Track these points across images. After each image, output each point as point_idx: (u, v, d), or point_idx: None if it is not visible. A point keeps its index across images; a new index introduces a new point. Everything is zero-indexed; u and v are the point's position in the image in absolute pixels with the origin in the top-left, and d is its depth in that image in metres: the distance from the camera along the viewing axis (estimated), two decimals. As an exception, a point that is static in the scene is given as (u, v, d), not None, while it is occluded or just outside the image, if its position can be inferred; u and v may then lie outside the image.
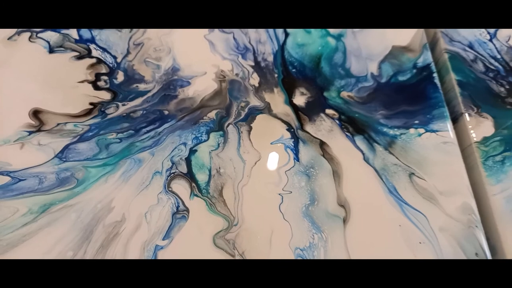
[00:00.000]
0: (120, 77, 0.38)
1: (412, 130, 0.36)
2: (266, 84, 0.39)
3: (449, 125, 0.36)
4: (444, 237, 0.31)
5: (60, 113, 0.36)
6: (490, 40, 0.41)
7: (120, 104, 0.37)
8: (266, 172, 0.34)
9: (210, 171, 0.34)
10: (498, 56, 0.40)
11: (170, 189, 0.33)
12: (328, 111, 0.37)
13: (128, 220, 0.31)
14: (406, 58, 0.40)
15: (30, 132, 0.34)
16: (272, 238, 0.31)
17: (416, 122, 0.36)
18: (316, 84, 0.39)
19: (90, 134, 0.35)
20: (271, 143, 0.35)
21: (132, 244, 0.30)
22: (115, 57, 0.39)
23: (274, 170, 0.34)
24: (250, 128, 0.36)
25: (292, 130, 0.36)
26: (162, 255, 0.30)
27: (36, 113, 0.35)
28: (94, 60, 0.39)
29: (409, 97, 0.37)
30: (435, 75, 0.39)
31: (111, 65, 0.39)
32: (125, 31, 0.41)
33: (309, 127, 0.36)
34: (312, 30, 0.42)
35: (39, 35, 0.40)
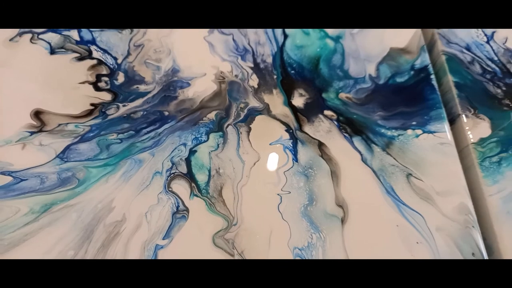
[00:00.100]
0: (120, 78, 0.39)
1: (409, 131, 0.36)
2: (265, 85, 0.39)
3: (446, 126, 0.36)
4: (441, 237, 0.31)
5: (61, 113, 0.36)
6: (487, 42, 0.41)
7: (120, 105, 0.37)
8: (265, 173, 0.34)
9: (209, 171, 0.34)
10: (495, 58, 0.40)
11: (170, 189, 0.33)
12: (327, 112, 0.37)
13: (129, 220, 0.31)
14: (404, 59, 0.40)
15: (32, 133, 0.35)
16: (271, 238, 0.31)
17: (414, 123, 0.36)
18: (315, 86, 0.39)
19: (91, 134, 0.35)
20: (270, 144, 0.36)
21: (133, 244, 0.30)
22: (115, 59, 0.40)
23: (273, 170, 0.34)
24: (249, 129, 0.36)
25: (291, 131, 0.36)
26: (162, 255, 0.30)
27: (37, 114, 0.35)
28: (95, 61, 0.39)
29: (407, 99, 0.38)
30: (432, 76, 0.39)
31: (111, 66, 0.39)
32: (126, 32, 0.41)
33: (307, 128, 0.36)
34: (311, 31, 0.42)
35: (40, 36, 0.40)
